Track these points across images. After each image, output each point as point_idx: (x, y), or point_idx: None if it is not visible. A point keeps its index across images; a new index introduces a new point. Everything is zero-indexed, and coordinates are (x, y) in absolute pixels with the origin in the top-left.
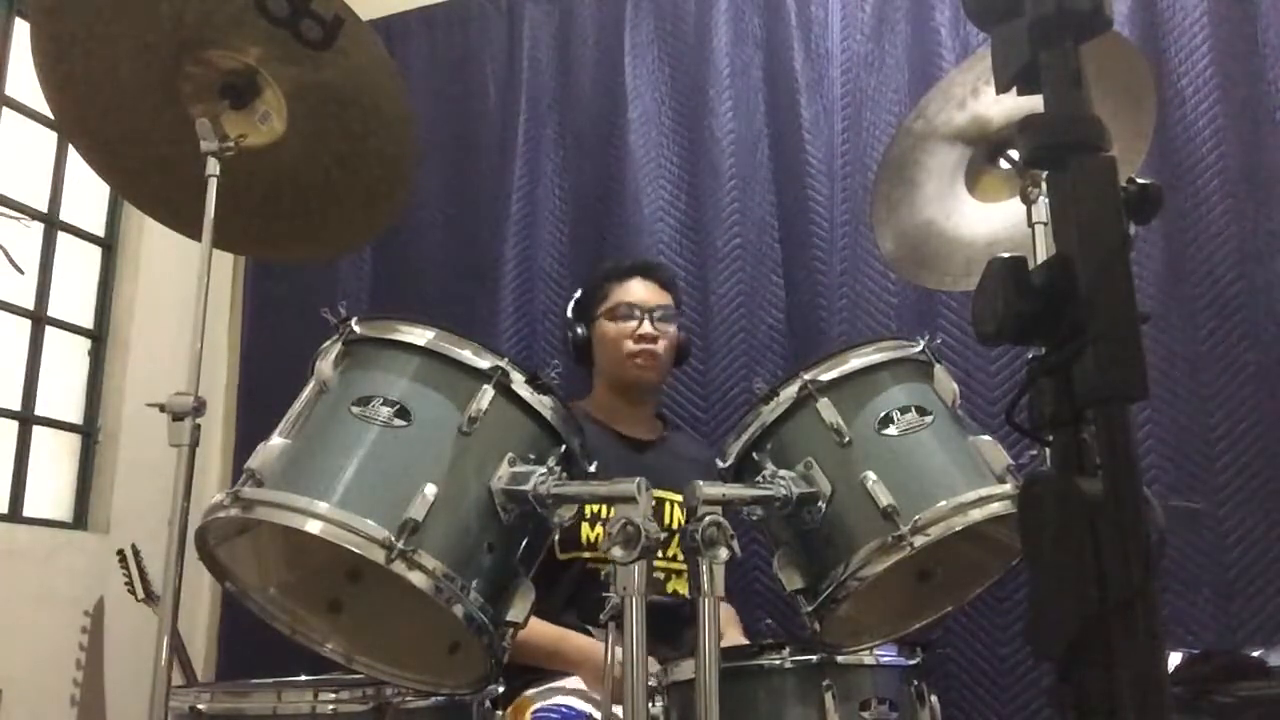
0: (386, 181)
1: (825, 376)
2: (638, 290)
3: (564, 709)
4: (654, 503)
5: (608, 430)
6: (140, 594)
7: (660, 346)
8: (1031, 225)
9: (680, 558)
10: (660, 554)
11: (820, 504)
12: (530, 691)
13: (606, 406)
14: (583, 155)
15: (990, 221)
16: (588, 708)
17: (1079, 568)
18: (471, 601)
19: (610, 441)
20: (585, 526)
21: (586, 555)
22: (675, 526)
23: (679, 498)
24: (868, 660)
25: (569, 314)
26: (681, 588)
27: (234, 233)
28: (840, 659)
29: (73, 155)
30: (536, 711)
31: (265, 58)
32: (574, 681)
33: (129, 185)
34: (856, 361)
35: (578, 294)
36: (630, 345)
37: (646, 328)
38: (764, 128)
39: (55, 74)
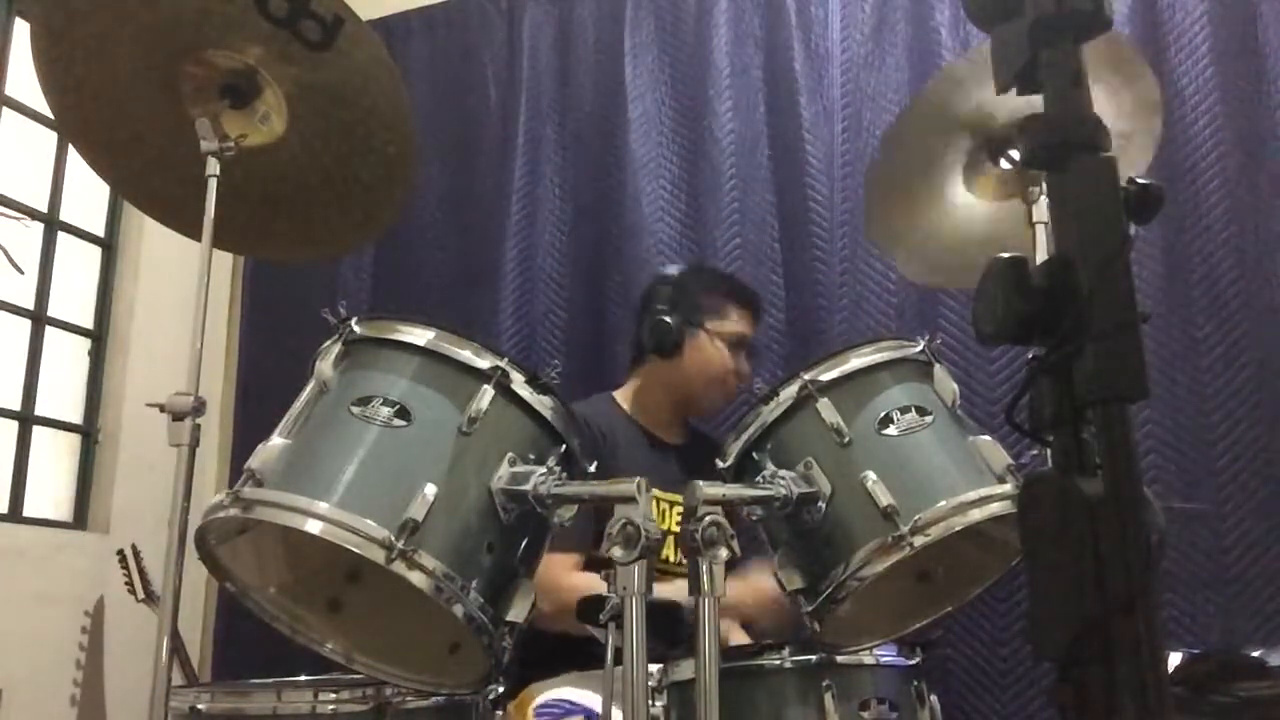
0: (386, 181)
1: (825, 376)
2: (750, 326)
3: (567, 704)
4: (669, 505)
5: (636, 427)
6: (140, 594)
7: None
8: (1032, 225)
9: None
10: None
11: (820, 504)
12: (535, 684)
13: (647, 405)
14: (583, 155)
15: (990, 221)
16: (591, 702)
17: (1079, 568)
18: (471, 601)
19: (638, 438)
20: None
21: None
22: None
23: None
24: (867, 660)
25: (668, 300)
26: None
27: (234, 232)
28: (840, 659)
29: (73, 155)
30: (539, 706)
31: (265, 58)
32: (578, 676)
33: (129, 185)
34: (856, 361)
35: (679, 278)
36: (730, 379)
37: (744, 365)
38: (764, 128)
39: (55, 74)
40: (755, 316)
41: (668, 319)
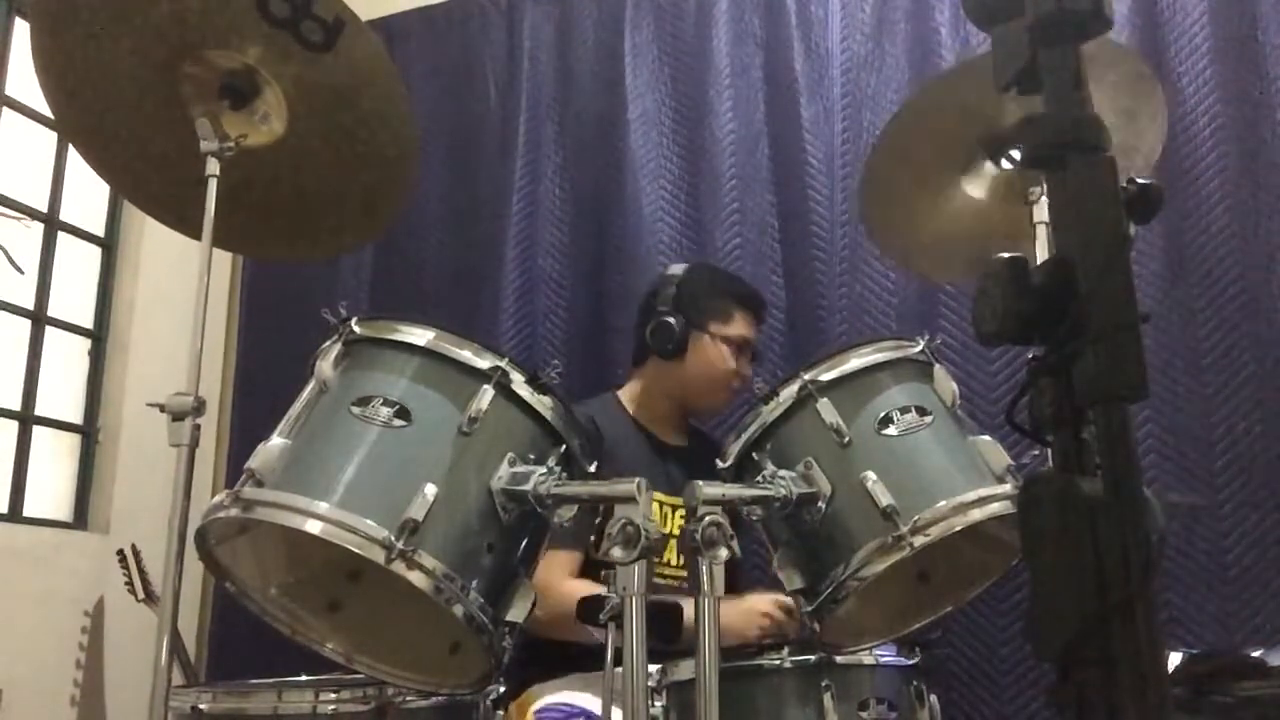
0: (386, 181)
1: (825, 376)
2: (753, 329)
3: (568, 707)
4: (672, 509)
5: (640, 429)
6: (140, 594)
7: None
8: (1032, 225)
9: None
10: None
11: (820, 504)
12: (536, 687)
13: (649, 406)
14: (583, 155)
15: (990, 221)
16: (592, 706)
17: (1079, 568)
18: (471, 601)
19: (640, 442)
20: None
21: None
22: None
23: None
24: (867, 660)
25: (671, 301)
26: None
27: (233, 232)
28: (839, 659)
29: (73, 155)
30: (540, 710)
31: (265, 58)
32: (580, 679)
33: (129, 184)
34: (856, 361)
35: (682, 279)
36: (733, 382)
37: (746, 369)
38: (764, 128)
39: (55, 74)
40: (758, 320)
41: (671, 320)
